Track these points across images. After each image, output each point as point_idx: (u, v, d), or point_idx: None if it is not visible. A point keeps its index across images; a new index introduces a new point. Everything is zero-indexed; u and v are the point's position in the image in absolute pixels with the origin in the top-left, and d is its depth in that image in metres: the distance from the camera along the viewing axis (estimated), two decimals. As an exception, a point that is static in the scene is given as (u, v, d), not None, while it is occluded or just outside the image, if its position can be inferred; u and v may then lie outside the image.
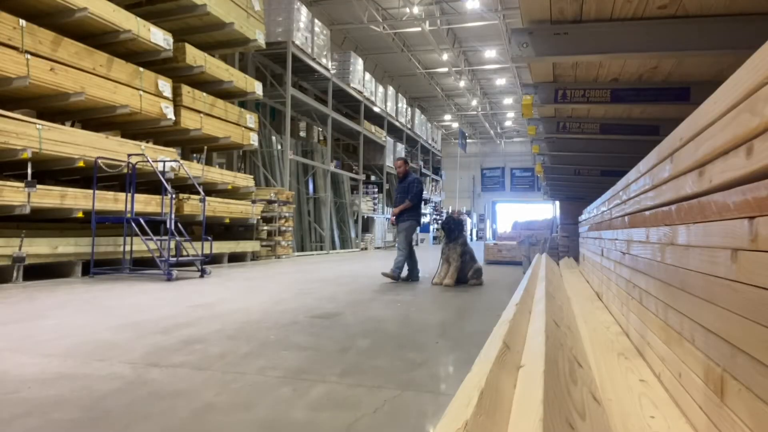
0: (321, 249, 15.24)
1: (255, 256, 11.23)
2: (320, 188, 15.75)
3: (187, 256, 7.72)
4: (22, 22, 6.23)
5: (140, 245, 7.45)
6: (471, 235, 32.30)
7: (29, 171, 6.12)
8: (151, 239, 7.01)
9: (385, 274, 7.02)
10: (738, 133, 1.16)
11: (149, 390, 2.23)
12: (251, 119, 10.94)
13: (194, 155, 10.92)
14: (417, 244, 24.89)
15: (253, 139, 10.96)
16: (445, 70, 23.68)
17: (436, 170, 30.81)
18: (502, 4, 17.13)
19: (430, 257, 14.17)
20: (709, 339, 1.41)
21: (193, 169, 8.91)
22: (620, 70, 4.00)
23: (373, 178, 21.32)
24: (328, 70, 15.04)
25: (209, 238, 8.08)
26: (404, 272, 7.18)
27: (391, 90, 21.43)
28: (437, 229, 26.95)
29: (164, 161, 7.74)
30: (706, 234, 1.44)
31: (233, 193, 10.41)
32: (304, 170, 15.28)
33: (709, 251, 1.41)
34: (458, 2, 17.80)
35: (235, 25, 9.61)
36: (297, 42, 12.92)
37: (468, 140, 33.64)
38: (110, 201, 7.32)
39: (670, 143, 1.87)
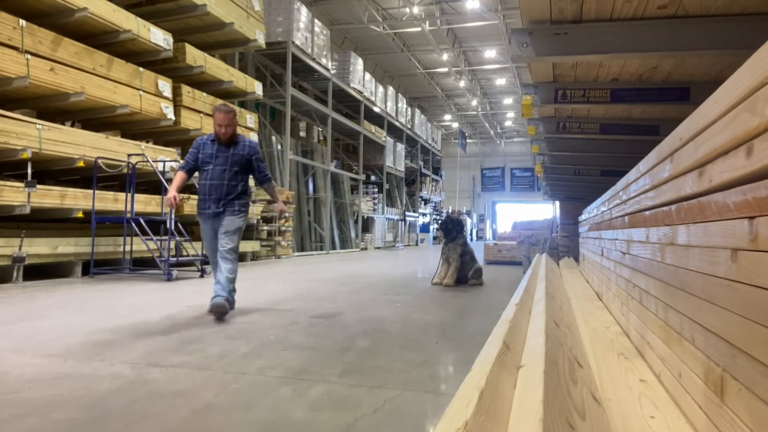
0: (321, 249, 15.24)
1: (255, 256, 11.23)
2: (320, 188, 15.75)
3: (187, 256, 7.72)
4: (22, 22, 6.23)
5: (140, 245, 7.45)
6: (471, 235, 32.30)
7: (29, 171, 6.12)
8: (151, 239, 7.01)
9: (217, 308, 3.95)
10: (738, 133, 1.16)
11: (149, 390, 2.23)
12: (251, 119, 10.94)
13: (194, 155, 10.91)
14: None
15: (254, 139, 10.96)
16: (445, 70, 23.68)
17: (436, 170, 30.82)
18: (502, 4, 17.13)
19: (429, 257, 14.18)
20: (709, 339, 1.41)
21: (193, 169, 8.90)
22: (620, 70, 4.00)
23: (373, 178, 21.32)
24: (328, 70, 15.04)
25: (209, 238, 8.07)
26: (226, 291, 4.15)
27: (391, 90, 21.43)
28: (437, 229, 26.96)
29: (164, 161, 7.75)
30: (706, 234, 1.44)
31: (233, 193, 10.40)
32: (304, 170, 15.28)
33: (709, 251, 1.41)
34: (458, 2, 17.79)
35: (235, 25, 9.61)
36: (297, 42, 12.92)
37: (468, 140, 33.64)
38: (110, 201, 7.32)
39: (670, 143, 1.87)
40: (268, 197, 11.65)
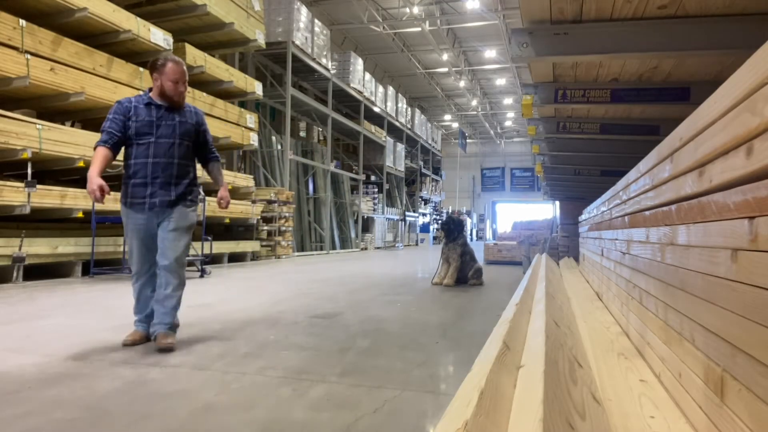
0: (321, 249, 15.24)
1: (255, 256, 11.23)
2: (320, 188, 15.75)
3: (187, 256, 7.71)
4: (22, 22, 6.23)
5: (140, 245, 7.44)
6: (471, 235, 32.30)
7: (29, 171, 6.12)
8: (151, 239, 7.00)
9: (166, 346, 2.94)
10: (738, 133, 1.16)
11: (149, 390, 2.23)
12: (251, 119, 10.94)
13: (194, 155, 10.90)
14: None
15: (253, 139, 10.96)
16: (445, 70, 23.68)
17: (436, 170, 30.82)
18: (502, 4, 17.12)
19: (430, 257, 14.18)
20: (709, 339, 1.41)
21: (193, 169, 8.90)
22: (620, 70, 4.00)
23: (373, 178, 21.32)
24: (328, 70, 15.04)
25: (209, 238, 8.08)
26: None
27: (391, 90, 21.43)
28: (437, 229, 26.97)
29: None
30: (706, 234, 1.44)
31: (233, 193, 10.41)
32: (304, 170, 15.28)
33: (709, 251, 1.41)
34: (458, 2, 17.79)
35: (235, 25, 9.61)
36: (297, 42, 12.93)
37: (468, 140, 33.64)
38: (110, 201, 7.28)
39: (670, 143, 1.87)
40: (268, 197, 11.71)
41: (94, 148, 3.04)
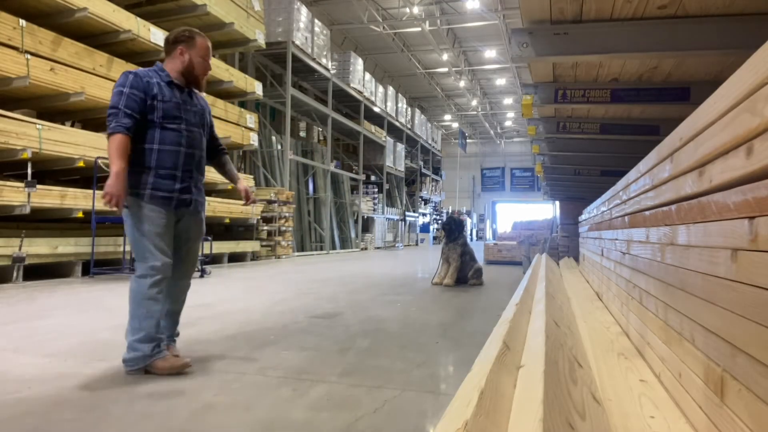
0: (321, 249, 15.24)
1: (255, 256, 11.23)
2: (320, 188, 15.76)
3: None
4: (22, 22, 6.24)
5: (140, 245, 7.43)
6: (471, 235, 32.30)
7: (29, 171, 6.12)
8: (151, 239, 6.99)
9: (185, 365, 2.51)
10: (738, 133, 1.16)
11: (149, 390, 2.23)
12: (251, 119, 10.94)
13: (194, 155, 10.90)
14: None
15: (253, 139, 10.96)
16: (445, 70, 23.68)
17: (436, 170, 30.82)
18: (502, 4, 17.12)
19: (430, 257, 14.19)
20: (709, 339, 1.41)
21: (193, 169, 8.89)
22: (620, 70, 4.00)
23: (373, 178, 21.32)
24: (328, 70, 15.04)
25: (209, 238, 8.07)
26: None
27: (391, 90, 21.43)
28: (437, 229, 26.97)
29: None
30: (706, 234, 1.44)
31: (233, 193, 10.41)
32: (304, 170, 15.28)
33: (709, 251, 1.41)
34: (458, 2, 17.80)
35: (235, 25, 9.62)
36: (297, 42, 12.93)
37: (468, 140, 33.64)
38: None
39: (670, 143, 1.87)
40: (268, 197, 11.70)
41: (109, 135, 2.41)
